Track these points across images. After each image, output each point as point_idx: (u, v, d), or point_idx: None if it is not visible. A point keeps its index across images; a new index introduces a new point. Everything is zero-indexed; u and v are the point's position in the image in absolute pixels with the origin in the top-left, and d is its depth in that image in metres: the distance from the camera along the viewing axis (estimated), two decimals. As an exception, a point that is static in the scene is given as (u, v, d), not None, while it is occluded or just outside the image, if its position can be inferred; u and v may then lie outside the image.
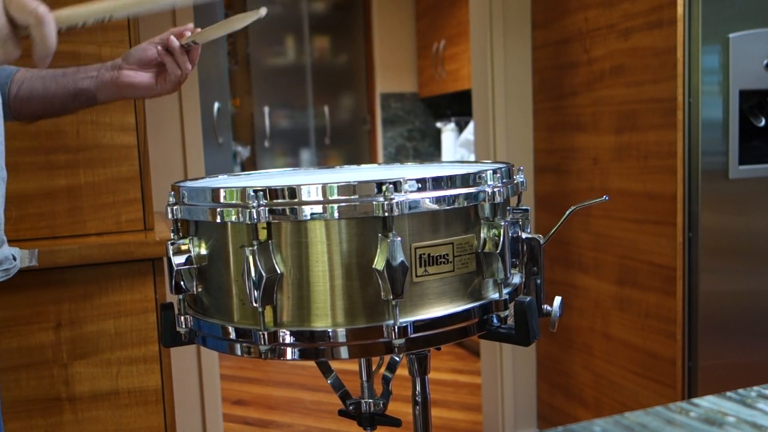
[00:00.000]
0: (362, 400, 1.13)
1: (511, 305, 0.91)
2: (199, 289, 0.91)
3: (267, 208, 0.81)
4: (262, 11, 0.97)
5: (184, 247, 0.89)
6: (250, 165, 5.07)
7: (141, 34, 1.71)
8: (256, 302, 0.81)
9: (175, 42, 1.12)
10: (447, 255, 0.84)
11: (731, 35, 1.79)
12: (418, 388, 1.04)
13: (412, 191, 0.82)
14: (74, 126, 1.47)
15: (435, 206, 0.83)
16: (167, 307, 0.96)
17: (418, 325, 0.83)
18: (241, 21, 1.00)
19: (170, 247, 0.89)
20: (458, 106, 4.74)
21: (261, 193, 0.81)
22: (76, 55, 1.47)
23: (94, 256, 1.40)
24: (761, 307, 1.92)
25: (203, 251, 0.89)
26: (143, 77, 1.16)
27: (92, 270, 1.42)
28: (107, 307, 1.43)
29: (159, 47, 1.15)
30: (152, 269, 1.45)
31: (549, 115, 2.47)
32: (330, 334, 0.82)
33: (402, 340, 0.82)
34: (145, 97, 1.21)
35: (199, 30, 1.13)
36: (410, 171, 1.03)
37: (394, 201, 0.80)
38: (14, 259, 1.15)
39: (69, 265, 1.39)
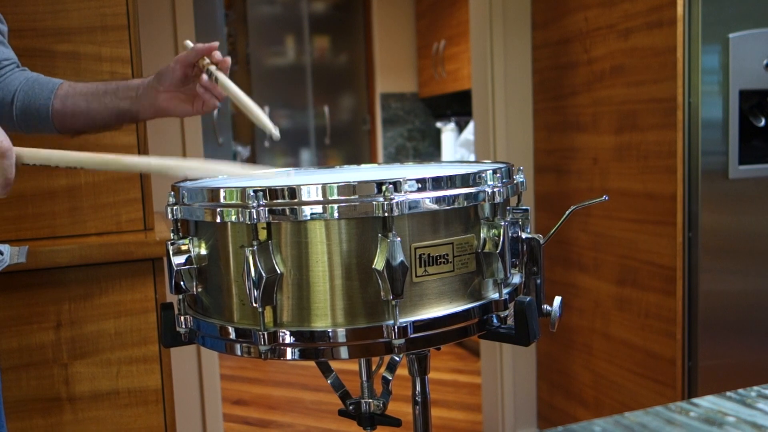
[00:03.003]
0: (362, 400, 1.13)
1: (511, 305, 0.91)
2: (199, 289, 0.91)
3: (267, 208, 0.81)
4: (276, 134, 1.03)
5: (184, 247, 0.89)
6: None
7: (141, 34, 1.71)
8: (255, 302, 0.81)
9: (205, 78, 1.16)
10: (447, 255, 0.84)
11: (731, 35, 1.80)
12: (418, 388, 1.04)
13: (412, 191, 0.82)
14: (74, 126, 1.47)
15: (435, 206, 0.83)
16: (167, 307, 0.96)
17: (418, 325, 0.83)
18: (256, 119, 1.06)
19: (170, 247, 0.89)
20: (458, 106, 4.74)
21: (261, 193, 0.81)
22: (75, 55, 1.47)
23: (94, 256, 1.40)
24: (761, 307, 1.92)
25: (203, 251, 0.89)
26: (179, 101, 1.19)
27: (92, 270, 1.42)
28: (107, 307, 1.43)
29: (188, 70, 1.16)
30: (152, 269, 1.45)
31: (549, 115, 2.47)
32: (330, 334, 0.82)
33: (402, 340, 0.82)
34: (184, 116, 1.25)
35: (224, 81, 1.14)
36: (410, 171, 1.03)
37: (394, 201, 0.80)
38: (1, 254, 1.16)
39: (69, 265, 1.39)
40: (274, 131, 1.03)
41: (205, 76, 1.15)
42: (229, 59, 1.16)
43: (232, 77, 1.16)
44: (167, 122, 2.20)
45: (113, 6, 1.48)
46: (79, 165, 1.00)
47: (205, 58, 1.15)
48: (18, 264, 1.23)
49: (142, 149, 1.52)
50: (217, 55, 1.15)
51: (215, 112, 3.30)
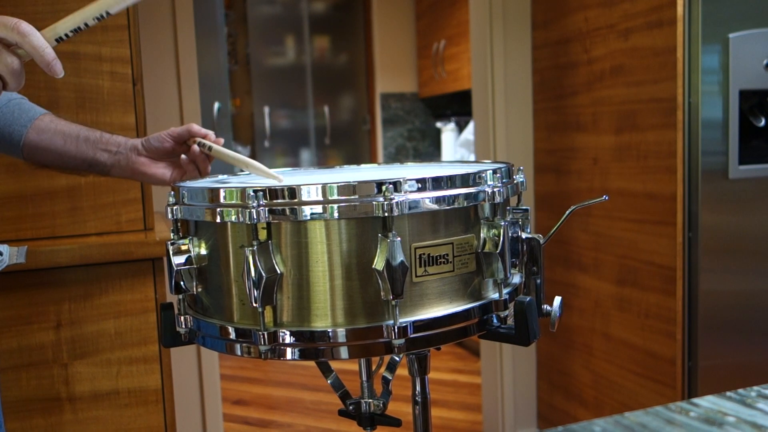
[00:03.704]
0: (362, 400, 1.13)
1: (511, 305, 0.91)
2: (199, 289, 0.91)
3: (267, 208, 0.81)
4: (280, 179, 1.00)
5: (184, 247, 0.89)
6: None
7: (141, 34, 1.72)
8: (256, 302, 0.81)
9: (196, 149, 1.13)
10: (447, 255, 0.84)
11: (731, 35, 1.80)
12: (418, 388, 1.04)
13: (411, 191, 0.82)
14: (74, 126, 1.47)
15: (435, 206, 0.83)
16: (167, 307, 0.96)
17: (418, 325, 0.83)
18: (257, 172, 1.03)
19: (170, 247, 0.89)
20: (458, 106, 4.74)
21: (261, 193, 0.81)
22: (75, 55, 1.47)
23: (94, 256, 1.40)
24: (761, 307, 1.92)
25: (203, 251, 0.89)
26: (158, 169, 1.17)
27: (92, 270, 1.42)
28: (107, 307, 1.43)
29: (177, 145, 1.15)
30: (152, 269, 1.45)
31: (549, 115, 2.47)
32: (330, 334, 0.82)
33: (402, 340, 0.82)
34: (157, 185, 1.23)
35: (216, 147, 1.13)
36: (410, 171, 1.03)
37: (394, 201, 0.80)
38: (0, 254, 1.16)
39: (69, 265, 1.39)
40: (278, 179, 1.01)
41: (196, 147, 1.13)
42: (222, 140, 1.15)
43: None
44: (167, 122, 2.20)
45: (113, 6, 1.48)
46: (105, 10, 0.95)
47: (198, 138, 1.14)
48: (17, 264, 1.23)
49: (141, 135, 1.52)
50: (212, 136, 1.14)
51: (215, 111, 3.30)
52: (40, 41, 0.88)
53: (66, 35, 0.94)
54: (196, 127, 1.14)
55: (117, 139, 1.18)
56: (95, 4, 0.94)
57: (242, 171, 1.09)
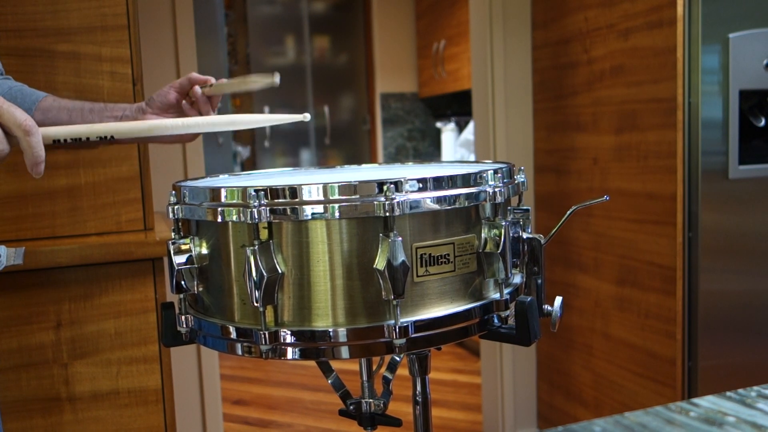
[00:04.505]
0: (363, 400, 1.13)
1: (512, 305, 0.91)
2: (200, 289, 0.91)
3: (268, 208, 0.81)
4: (276, 78, 1.04)
5: (184, 247, 0.89)
6: (250, 165, 5.07)
7: (141, 34, 1.72)
8: (257, 302, 0.81)
9: (198, 91, 1.16)
10: (448, 255, 0.84)
11: (731, 35, 1.80)
12: (419, 387, 1.04)
13: (413, 191, 0.82)
14: (74, 126, 1.47)
15: (436, 206, 0.83)
16: (168, 307, 0.96)
17: (419, 325, 0.83)
18: (255, 83, 1.08)
19: (171, 247, 0.89)
20: (458, 106, 4.74)
21: (262, 192, 0.81)
22: (75, 55, 1.47)
23: (94, 256, 1.40)
24: (761, 307, 1.92)
25: (204, 251, 0.90)
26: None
27: (92, 270, 1.42)
28: (107, 307, 1.43)
29: (180, 96, 1.18)
30: (152, 269, 1.45)
31: (549, 115, 2.47)
32: (331, 333, 0.82)
33: (403, 340, 0.82)
34: (166, 142, 1.25)
35: (217, 82, 1.17)
36: (411, 171, 1.03)
37: (395, 201, 0.80)
38: None
39: (69, 265, 1.39)
40: (275, 78, 1.04)
41: (197, 89, 1.16)
42: (223, 80, 1.18)
43: (232, 77, 1.17)
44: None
45: (113, 6, 1.48)
46: (110, 134, 0.99)
47: (199, 88, 1.17)
48: (15, 265, 1.23)
49: (142, 149, 1.52)
50: (212, 81, 1.17)
51: (215, 111, 3.30)
52: (38, 144, 0.92)
53: (65, 141, 0.99)
54: (196, 75, 1.17)
55: (120, 105, 1.20)
56: (104, 125, 1.00)
57: (242, 167, 1.10)
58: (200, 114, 1.18)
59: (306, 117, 1.00)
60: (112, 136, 1.16)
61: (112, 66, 1.49)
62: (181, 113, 1.20)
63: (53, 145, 0.98)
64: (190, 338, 0.94)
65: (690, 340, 1.89)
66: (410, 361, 1.03)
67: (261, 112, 5.01)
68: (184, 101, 1.18)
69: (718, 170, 1.83)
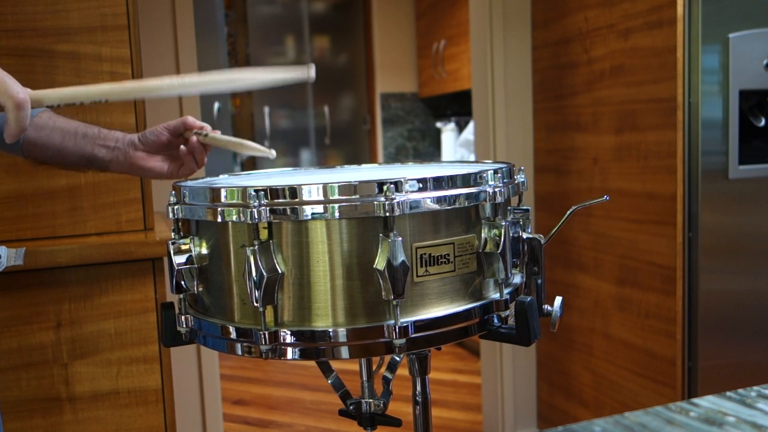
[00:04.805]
0: (362, 400, 1.13)
1: (512, 305, 0.91)
2: (200, 289, 0.91)
3: (268, 208, 0.81)
4: (272, 153, 1.03)
5: (184, 247, 0.89)
6: (250, 165, 5.08)
7: (141, 34, 1.71)
8: (256, 302, 0.81)
9: (194, 140, 1.14)
10: (448, 255, 0.84)
11: (731, 35, 1.80)
12: (419, 388, 1.04)
13: (413, 191, 0.82)
14: (74, 126, 1.47)
15: (436, 206, 0.83)
16: (168, 307, 0.96)
17: (419, 325, 0.83)
18: (251, 150, 1.05)
19: (171, 247, 0.89)
20: (458, 106, 4.74)
21: (262, 192, 0.81)
22: (75, 55, 1.47)
23: (94, 256, 1.40)
24: (761, 307, 1.92)
25: (204, 251, 0.90)
26: (156, 162, 1.18)
27: (92, 270, 1.42)
28: (107, 307, 1.43)
29: (173, 138, 1.16)
30: (152, 269, 1.45)
31: (549, 115, 2.47)
32: (331, 333, 0.82)
33: (403, 340, 0.82)
34: (155, 179, 1.24)
35: (212, 134, 1.14)
36: (411, 171, 1.03)
37: (395, 201, 0.80)
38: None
39: (69, 265, 1.39)
40: (271, 153, 1.03)
41: (194, 138, 1.14)
42: (218, 132, 1.16)
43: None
44: (167, 117, 2.19)
45: (113, 6, 1.48)
46: (104, 97, 0.98)
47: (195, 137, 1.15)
48: (15, 266, 1.23)
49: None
50: (208, 128, 1.15)
51: (215, 111, 3.30)
52: (25, 119, 0.90)
53: (59, 105, 0.97)
54: (191, 119, 1.15)
55: (115, 135, 1.19)
56: (98, 88, 0.97)
57: (242, 167, 1.10)
58: (195, 161, 1.16)
59: (311, 73, 0.97)
60: (104, 169, 1.15)
61: (112, 66, 1.49)
62: (172, 155, 1.18)
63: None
64: (190, 338, 0.94)
65: (690, 340, 1.89)
66: (410, 361, 1.03)
67: (261, 112, 5.01)
68: (182, 147, 1.16)
69: (718, 170, 1.83)
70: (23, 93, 0.90)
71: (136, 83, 1.00)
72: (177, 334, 0.95)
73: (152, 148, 1.17)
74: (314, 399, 3.39)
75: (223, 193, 0.85)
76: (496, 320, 0.90)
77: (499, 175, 0.90)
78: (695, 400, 0.56)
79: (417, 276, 0.83)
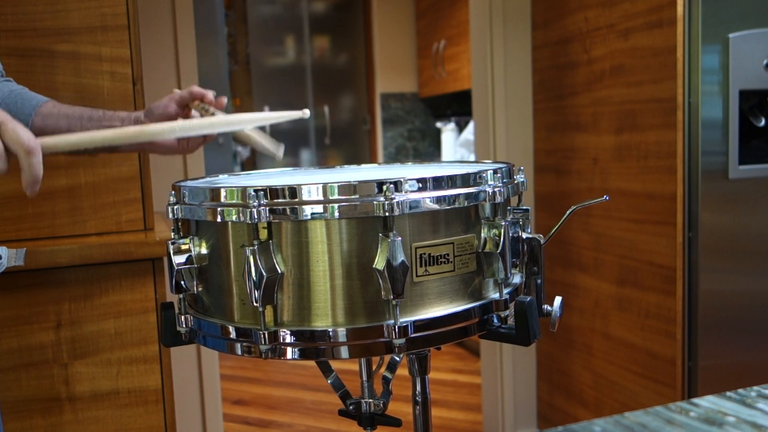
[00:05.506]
0: (362, 400, 1.13)
1: (512, 305, 0.91)
2: (200, 289, 0.91)
3: (267, 208, 0.81)
4: (280, 152, 1.02)
5: (184, 247, 0.89)
6: (250, 165, 5.08)
7: (141, 34, 1.72)
8: (256, 302, 0.81)
9: (197, 116, 1.14)
10: (447, 255, 0.84)
11: (731, 35, 1.80)
12: (418, 387, 1.04)
13: (412, 191, 0.82)
14: (74, 126, 1.47)
15: (435, 206, 0.83)
16: (167, 307, 0.96)
17: (419, 325, 0.83)
18: (256, 144, 1.06)
19: (171, 247, 0.89)
20: (458, 106, 4.74)
21: (261, 192, 0.81)
22: (75, 55, 1.47)
23: (94, 256, 1.40)
24: (761, 307, 1.92)
25: (204, 251, 0.90)
26: None
27: (92, 270, 1.42)
28: (107, 307, 1.43)
29: (180, 108, 1.16)
30: (152, 269, 1.45)
31: (549, 115, 2.47)
32: (330, 333, 0.82)
33: (402, 340, 0.82)
34: (168, 153, 1.23)
35: (216, 114, 1.14)
36: (410, 171, 1.03)
37: (395, 201, 0.80)
38: (0, 257, 1.16)
39: (69, 265, 1.39)
40: (279, 152, 1.03)
41: (196, 114, 1.14)
42: (224, 99, 1.16)
43: (231, 77, 1.16)
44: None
45: (113, 6, 1.48)
46: (107, 143, 0.99)
47: (199, 101, 1.15)
48: (16, 266, 1.23)
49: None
50: (210, 96, 1.15)
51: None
52: (38, 164, 0.91)
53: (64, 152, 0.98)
54: (197, 88, 1.15)
55: (120, 114, 1.19)
56: (103, 133, 0.99)
57: (242, 167, 1.10)
58: (203, 136, 1.16)
59: (305, 114, 0.99)
60: (114, 147, 1.15)
61: (112, 66, 1.49)
62: None
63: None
64: (190, 338, 0.94)
65: (690, 340, 1.88)
66: (410, 361, 1.03)
67: (261, 111, 5.01)
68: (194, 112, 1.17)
69: (718, 170, 1.83)
70: (34, 140, 0.90)
71: (140, 128, 1.01)
72: (177, 334, 0.95)
73: (160, 120, 1.16)
74: (314, 399, 3.39)
75: (222, 193, 0.85)
76: (495, 320, 0.90)
77: (499, 175, 0.90)
78: (695, 400, 0.56)
79: (416, 276, 0.83)
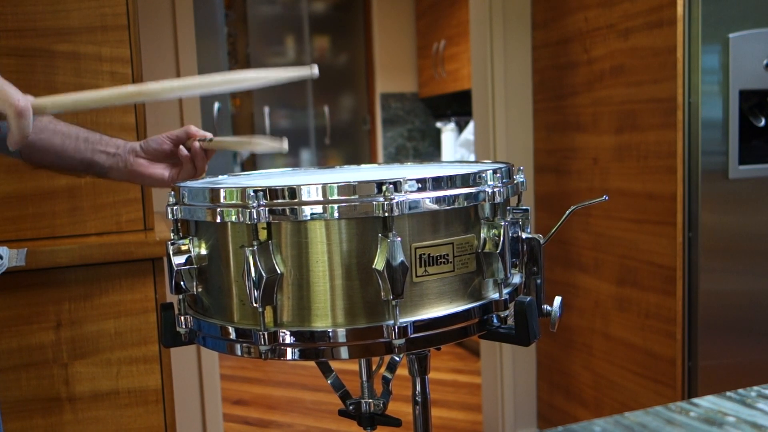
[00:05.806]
0: (362, 400, 1.13)
1: (511, 305, 0.91)
2: (199, 289, 0.91)
3: (267, 208, 0.81)
4: (285, 144, 1.01)
5: (184, 247, 0.89)
6: (249, 165, 5.07)
7: (141, 34, 1.71)
8: (256, 302, 0.81)
9: (196, 146, 1.14)
10: (447, 255, 0.84)
11: (731, 35, 1.80)
12: (418, 388, 1.04)
13: (412, 191, 0.82)
14: (74, 126, 1.47)
15: (435, 206, 0.83)
16: (167, 307, 0.96)
17: (418, 325, 0.83)
18: (260, 145, 1.04)
19: (170, 247, 0.89)
20: (458, 106, 4.74)
21: (261, 193, 0.81)
22: (75, 55, 1.47)
23: (94, 256, 1.40)
24: (761, 307, 1.92)
25: (203, 251, 0.89)
26: (156, 170, 1.18)
27: (92, 270, 1.42)
28: (107, 307, 1.43)
29: (175, 147, 1.16)
30: (152, 269, 1.45)
31: (549, 115, 2.47)
32: (330, 334, 0.82)
33: (402, 340, 0.82)
34: (155, 186, 1.23)
35: (217, 138, 1.14)
36: (410, 171, 1.03)
37: (394, 201, 0.80)
38: (1, 258, 1.16)
39: (69, 265, 1.39)
40: (283, 144, 1.02)
41: (197, 144, 1.14)
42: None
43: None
44: (167, 122, 2.20)
45: (113, 6, 1.48)
46: (106, 104, 0.98)
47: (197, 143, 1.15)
48: (17, 266, 1.23)
49: (141, 135, 1.52)
50: (209, 137, 1.15)
51: (215, 111, 3.30)
52: (27, 127, 0.90)
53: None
54: (194, 129, 1.15)
55: (116, 142, 1.19)
56: (100, 94, 0.97)
57: (241, 167, 1.10)
58: (195, 167, 1.16)
59: (313, 70, 0.96)
60: (102, 173, 1.14)
61: (112, 66, 1.49)
62: (173, 162, 1.18)
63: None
64: (190, 339, 0.94)
65: (690, 340, 1.88)
66: (410, 361, 1.03)
67: (261, 112, 5.01)
68: (182, 147, 1.15)
69: (718, 170, 1.83)
70: (24, 101, 0.90)
71: (137, 87, 1.00)
72: (177, 335, 0.95)
73: (154, 156, 1.17)
74: (314, 399, 3.39)
75: (222, 193, 0.85)
76: (495, 320, 0.90)
77: (498, 175, 0.90)
78: (695, 400, 0.56)
79: (416, 276, 0.83)
